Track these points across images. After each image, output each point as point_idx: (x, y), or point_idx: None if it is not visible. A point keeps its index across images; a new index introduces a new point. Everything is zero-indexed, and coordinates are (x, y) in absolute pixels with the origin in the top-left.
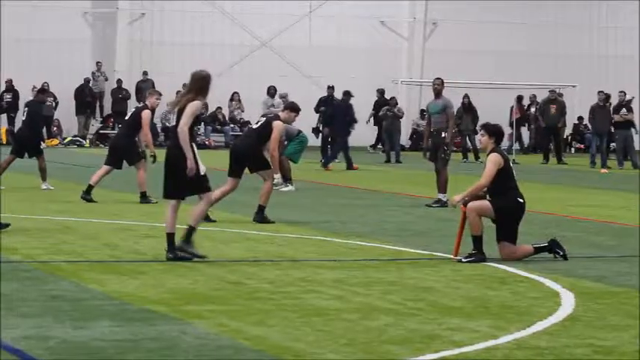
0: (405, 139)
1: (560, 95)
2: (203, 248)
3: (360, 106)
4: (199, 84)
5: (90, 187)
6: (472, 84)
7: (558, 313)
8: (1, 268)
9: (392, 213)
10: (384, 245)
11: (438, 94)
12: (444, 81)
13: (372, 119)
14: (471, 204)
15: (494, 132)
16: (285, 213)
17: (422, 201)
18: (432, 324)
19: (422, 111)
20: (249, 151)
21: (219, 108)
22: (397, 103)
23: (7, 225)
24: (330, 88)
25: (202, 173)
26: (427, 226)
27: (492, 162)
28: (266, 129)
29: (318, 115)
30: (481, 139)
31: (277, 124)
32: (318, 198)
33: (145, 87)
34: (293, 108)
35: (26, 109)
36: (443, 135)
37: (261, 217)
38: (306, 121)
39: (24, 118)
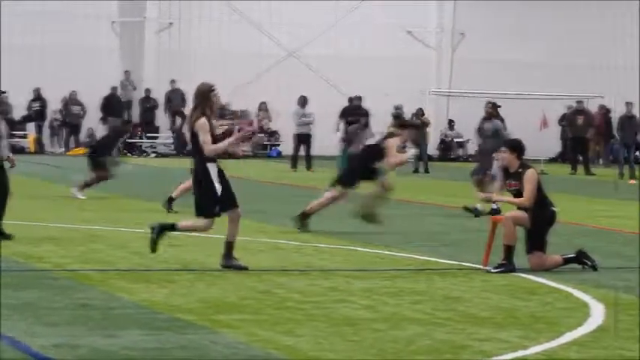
0: (432, 148)
1: (608, 109)
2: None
3: (386, 115)
4: (199, 99)
5: (171, 199)
6: (500, 94)
7: (588, 323)
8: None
9: (421, 223)
10: (414, 255)
11: (489, 116)
12: (478, 91)
13: None
14: (509, 213)
15: (516, 146)
16: (314, 223)
17: (451, 211)
18: (462, 334)
19: (450, 121)
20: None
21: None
22: (424, 114)
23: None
24: (357, 99)
25: (218, 194)
26: (456, 236)
27: (532, 181)
28: (378, 147)
29: (344, 125)
30: (504, 156)
31: (392, 141)
32: (346, 207)
33: (174, 97)
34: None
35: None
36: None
37: (300, 222)
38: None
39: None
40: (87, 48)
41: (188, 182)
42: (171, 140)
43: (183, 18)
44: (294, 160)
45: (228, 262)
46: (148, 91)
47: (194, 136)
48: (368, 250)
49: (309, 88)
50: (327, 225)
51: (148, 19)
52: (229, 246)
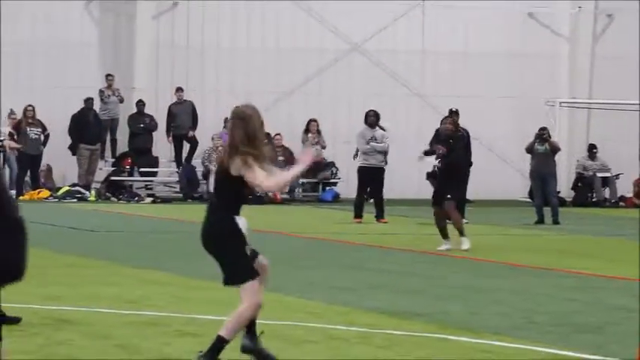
0: (564, 188)
1: None
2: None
3: (496, 140)
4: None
5: None
6: None
7: None
8: None
9: (545, 298)
10: (535, 347)
11: None
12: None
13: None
14: None
15: None
16: (387, 298)
17: (589, 281)
18: None
19: (590, 146)
20: None
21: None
22: (550, 136)
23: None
24: (454, 113)
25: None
26: (598, 318)
27: None
28: None
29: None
30: None
31: None
32: (432, 276)
33: (181, 112)
34: None
35: None
36: None
37: None
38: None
39: None
40: (50, 42)
41: None
42: (175, 179)
43: None
44: (358, 206)
45: None
46: (141, 104)
47: (228, 176)
48: (466, 339)
49: (383, 98)
50: (404, 301)
51: None
52: (221, 342)
